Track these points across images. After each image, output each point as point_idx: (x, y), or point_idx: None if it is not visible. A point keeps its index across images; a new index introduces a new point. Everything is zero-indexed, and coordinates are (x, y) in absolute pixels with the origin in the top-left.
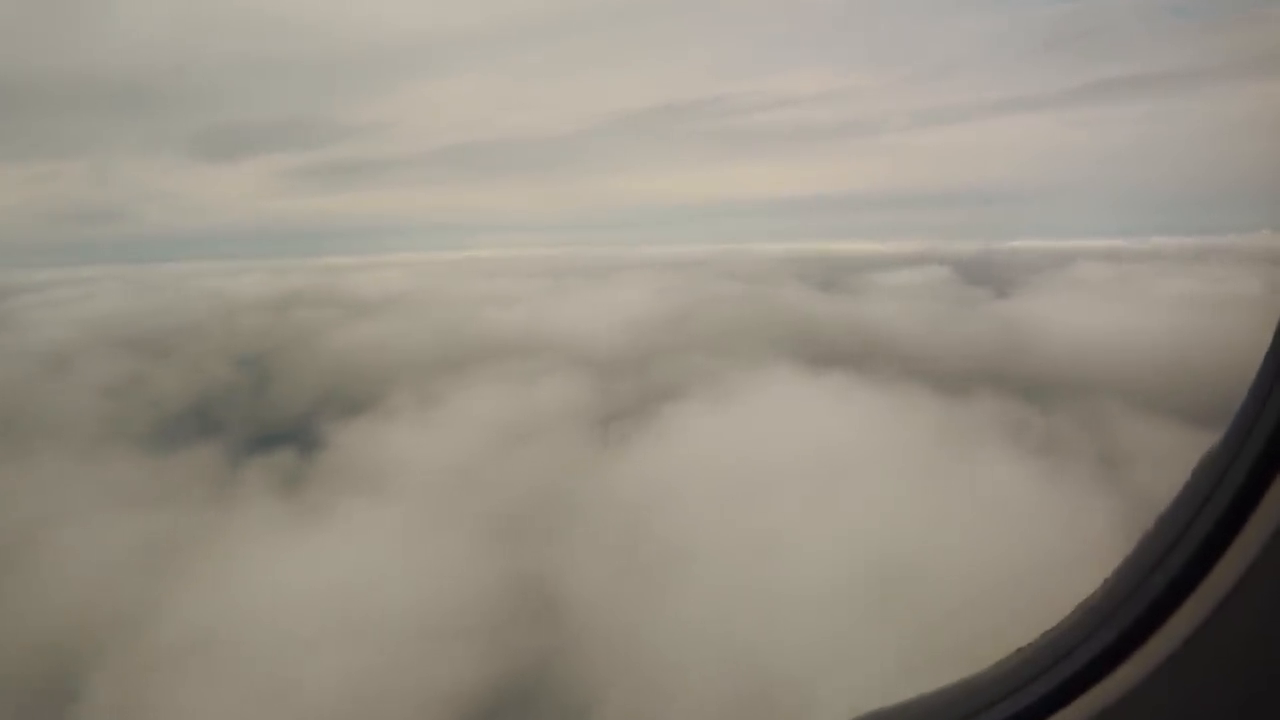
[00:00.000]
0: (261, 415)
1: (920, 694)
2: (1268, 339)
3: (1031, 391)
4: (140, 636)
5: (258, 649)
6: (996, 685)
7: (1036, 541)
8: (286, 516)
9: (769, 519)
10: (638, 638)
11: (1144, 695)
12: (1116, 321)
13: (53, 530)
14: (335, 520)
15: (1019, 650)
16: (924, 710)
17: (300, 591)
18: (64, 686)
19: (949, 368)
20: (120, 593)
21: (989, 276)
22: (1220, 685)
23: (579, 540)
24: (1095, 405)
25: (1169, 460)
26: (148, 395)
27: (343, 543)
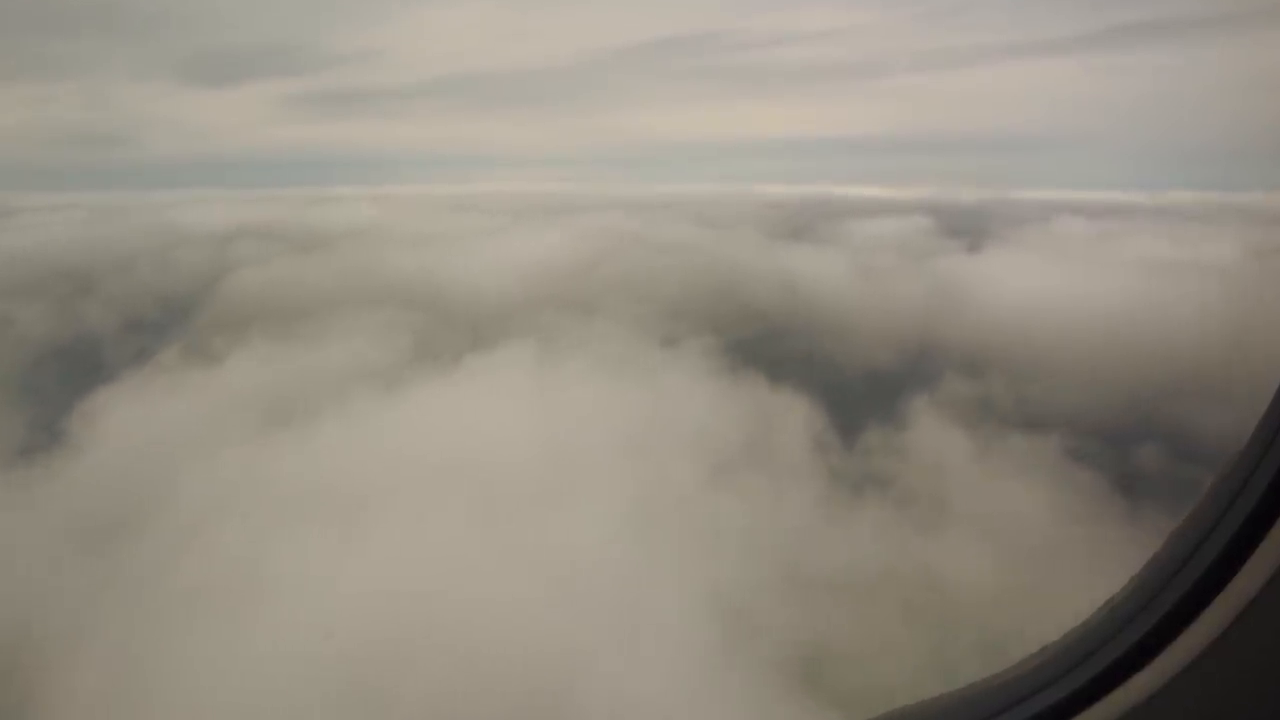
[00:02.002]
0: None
1: (943, 692)
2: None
3: (898, 377)
4: None
5: None
6: (1020, 684)
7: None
8: None
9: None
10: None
11: (1169, 697)
12: (1063, 285)
13: None
14: None
15: (1043, 649)
16: (947, 709)
17: None
18: None
19: (832, 341)
20: None
21: (969, 228)
22: (1246, 689)
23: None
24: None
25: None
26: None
27: None
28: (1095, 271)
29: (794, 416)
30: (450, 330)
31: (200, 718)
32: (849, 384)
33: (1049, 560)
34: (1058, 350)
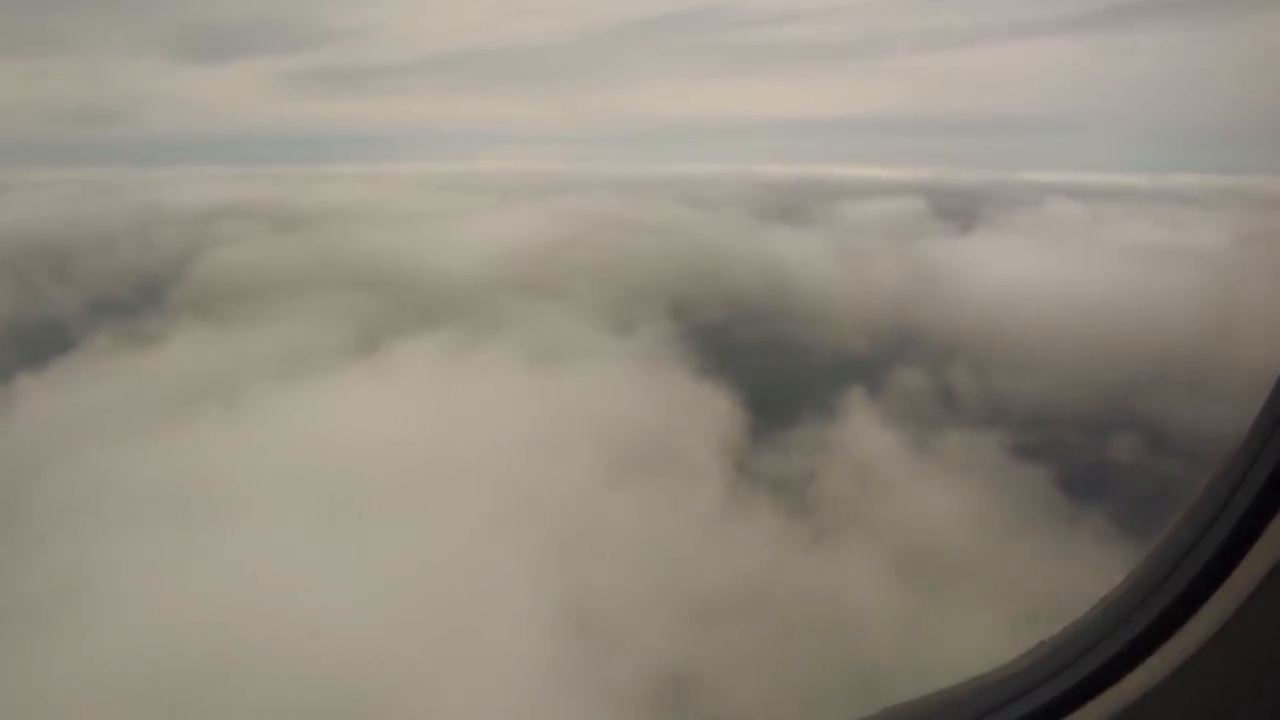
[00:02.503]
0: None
1: (940, 689)
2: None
3: (853, 364)
4: None
5: None
6: (1014, 681)
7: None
8: None
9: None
10: None
11: (1167, 692)
12: (1048, 270)
13: None
14: None
15: (1040, 644)
16: (943, 705)
17: None
18: None
19: (798, 328)
20: None
21: (963, 210)
22: (1245, 683)
23: None
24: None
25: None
26: None
27: None
28: (1083, 256)
29: (722, 410)
30: (398, 314)
31: None
32: (801, 374)
33: (958, 575)
34: (1032, 338)
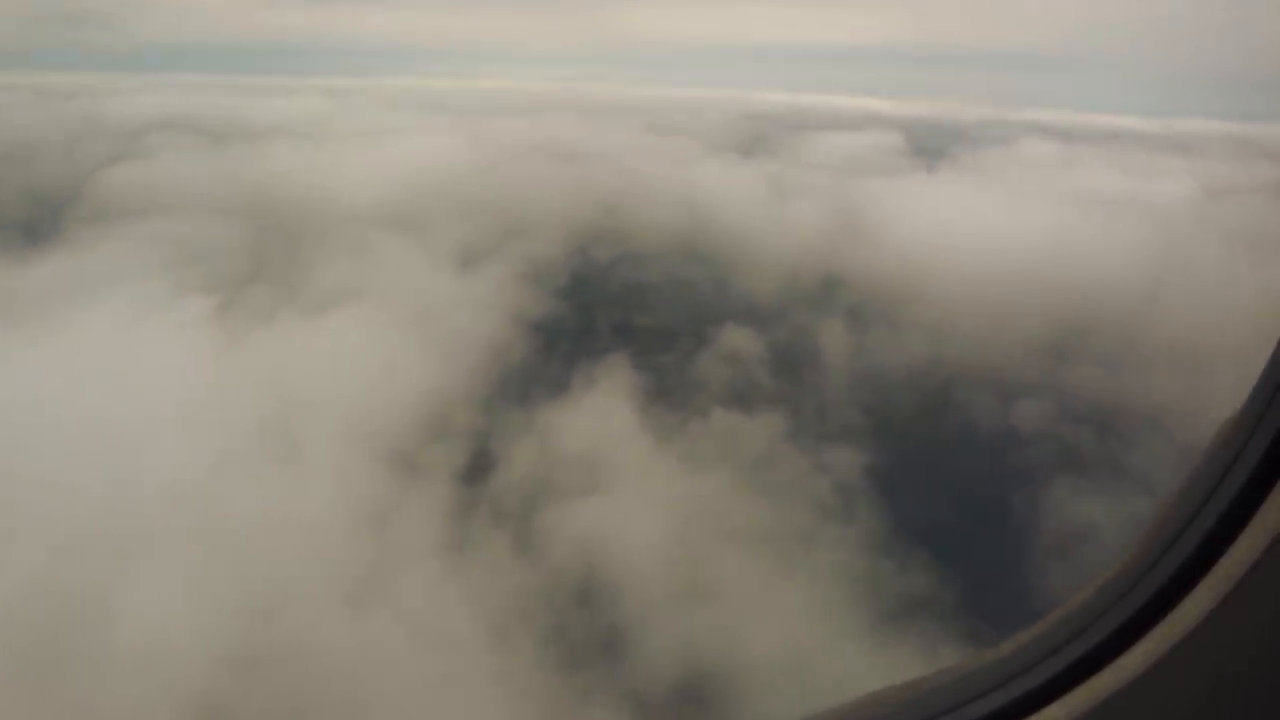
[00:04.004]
0: None
1: (927, 673)
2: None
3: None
4: None
5: None
6: (1006, 665)
7: None
8: None
9: None
10: None
11: (1157, 677)
12: (987, 216)
13: None
14: None
15: (1030, 628)
16: (931, 689)
17: None
18: None
19: (664, 274)
20: None
21: (935, 147)
22: (1235, 668)
23: None
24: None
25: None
26: None
27: None
28: (1028, 202)
29: (458, 381)
30: (226, 250)
31: None
32: (615, 332)
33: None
34: (939, 290)
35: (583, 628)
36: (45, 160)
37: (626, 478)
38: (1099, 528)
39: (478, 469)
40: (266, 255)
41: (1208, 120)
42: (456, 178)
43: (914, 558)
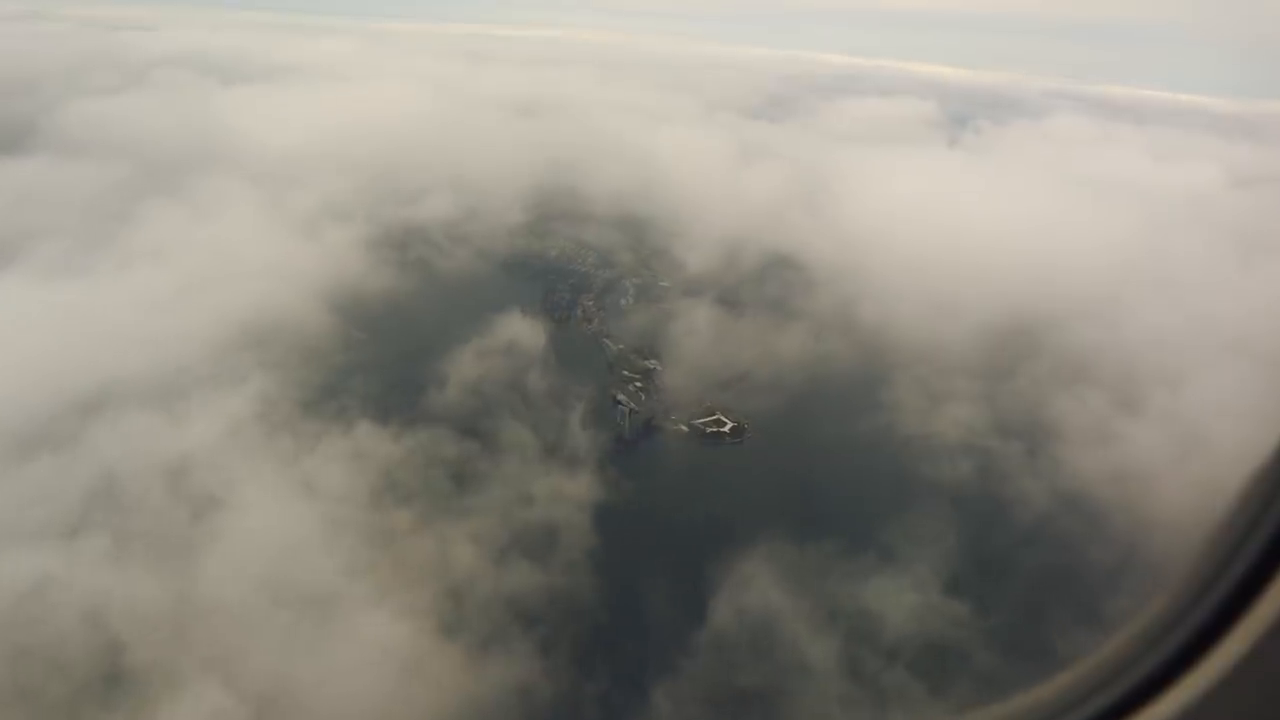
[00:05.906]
0: None
1: (979, 708)
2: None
3: None
4: None
5: None
6: (1053, 702)
7: None
8: None
9: None
10: None
11: (1203, 709)
12: (976, 193)
13: None
14: None
15: (1060, 676)
16: None
17: None
18: None
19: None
20: None
21: (963, 116)
22: (1266, 715)
23: None
24: None
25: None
26: None
27: None
28: (1033, 182)
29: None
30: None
31: None
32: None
33: None
34: (893, 279)
35: None
36: (45, 89)
37: None
38: None
39: None
40: (100, 206)
41: None
42: (397, 126)
43: None
